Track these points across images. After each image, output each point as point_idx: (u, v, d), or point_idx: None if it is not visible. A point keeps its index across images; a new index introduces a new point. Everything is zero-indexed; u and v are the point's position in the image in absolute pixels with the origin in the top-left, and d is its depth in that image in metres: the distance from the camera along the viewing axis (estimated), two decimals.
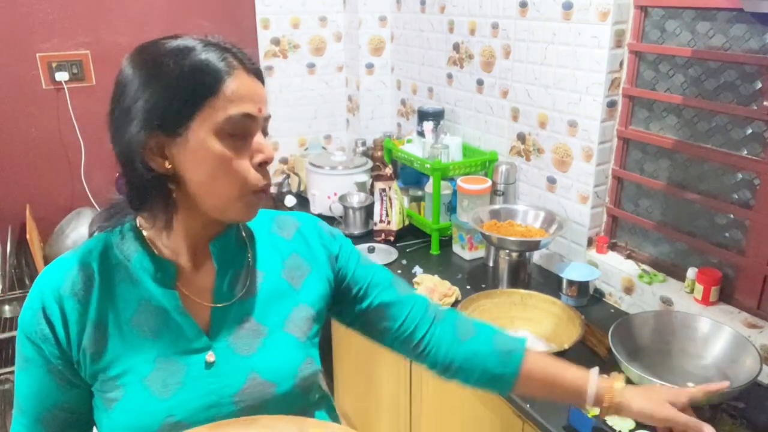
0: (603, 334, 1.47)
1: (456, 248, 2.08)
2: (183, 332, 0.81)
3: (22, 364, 0.81)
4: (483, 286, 1.85)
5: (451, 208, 2.10)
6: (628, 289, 1.69)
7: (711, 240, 1.56)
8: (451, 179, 2.11)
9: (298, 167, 2.73)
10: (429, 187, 2.07)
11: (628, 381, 1.09)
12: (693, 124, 1.55)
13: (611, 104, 1.69)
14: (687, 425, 0.91)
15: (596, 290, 1.78)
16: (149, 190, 0.77)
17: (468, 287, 1.85)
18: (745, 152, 1.44)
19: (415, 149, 2.21)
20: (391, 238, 2.17)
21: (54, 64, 2.28)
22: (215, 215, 0.80)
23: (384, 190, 2.20)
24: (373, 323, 0.98)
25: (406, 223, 2.21)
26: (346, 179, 2.38)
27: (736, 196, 1.48)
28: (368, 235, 2.23)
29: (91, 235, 0.85)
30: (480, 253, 2.04)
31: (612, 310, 1.71)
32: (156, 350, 0.80)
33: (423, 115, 2.31)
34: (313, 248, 0.94)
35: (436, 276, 1.85)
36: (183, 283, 0.83)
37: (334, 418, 0.96)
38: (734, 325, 1.39)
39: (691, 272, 1.55)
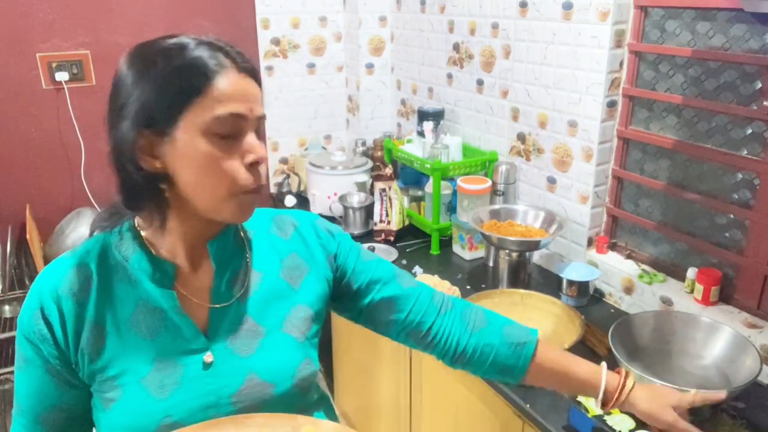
0: (603, 334, 1.47)
1: (456, 248, 2.08)
2: (181, 333, 0.81)
3: (21, 365, 0.81)
4: (483, 286, 1.85)
5: (451, 208, 2.10)
6: (628, 289, 1.69)
7: (711, 240, 1.56)
8: (451, 179, 2.11)
9: (298, 167, 2.73)
10: (429, 187, 2.07)
11: None
12: (693, 124, 1.55)
13: (611, 104, 1.69)
14: None
15: (596, 290, 1.78)
16: (141, 189, 0.77)
17: (468, 287, 1.85)
18: (745, 152, 1.44)
19: (415, 149, 2.21)
20: (391, 238, 2.17)
21: (54, 64, 2.28)
22: (209, 215, 0.79)
23: (384, 190, 2.20)
24: (377, 317, 0.97)
25: (406, 223, 2.21)
26: (346, 179, 2.38)
27: (736, 196, 1.48)
28: (368, 235, 2.23)
29: (91, 235, 0.86)
30: (480, 253, 2.04)
31: (612, 310, 1.71)
32: (154, 351, 0.80)
33: (423, 115, 2.31)
34: (311, 248, 0.93)
35: (436, 276, 1.85)
36: (181, 283, 0.83)
37: (333, 418, 0.96)
38: (734, 325, 1.38)
39: (691, 272, 1.55)
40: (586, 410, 1.18)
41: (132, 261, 0.81)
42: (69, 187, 2.41)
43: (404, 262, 2.03)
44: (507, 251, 1.77)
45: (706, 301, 1.50)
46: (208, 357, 0.81)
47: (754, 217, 1.43)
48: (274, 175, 2.83)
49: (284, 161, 2.84)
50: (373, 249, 2.08)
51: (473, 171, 2.10)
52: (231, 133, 0.75)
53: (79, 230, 2.23)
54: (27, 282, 2.26)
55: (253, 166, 0.77)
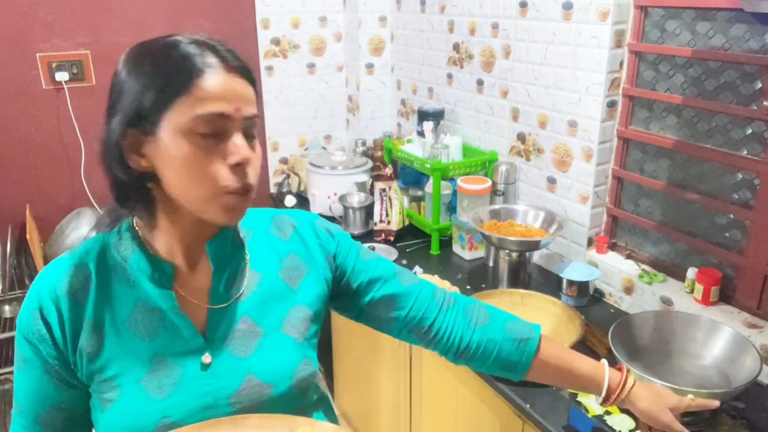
0: (603, 334, 1.47)
1: (456, 248, 2.08)
2: (179, 333, 0.81)
3: (21, 365, 0.81)
4: (483, 286, 1.85)
5: (451, 208, 2.10)
6: (628, 289, 1.69)
7: (711, 240, 1.56)
8: (451, 179, 2.11)
9: (298, 167, 2.73)
10: (429, 187, 2.07)
11: None
12: (693, 124, 1.55)
13: (611, 104, 1.69)
14: None
15: (596, 290, 1.78)
16: (128, 188, 0.77)
17: (468, 287, 1.85)
18: (745, 152, 1.44)
19: (415, 149, 2.21)
20: (391, 238, 2.17)
21: (54, 64, 2.28)
22: (197, 215, 0.77)
23: (384, 190, 2.20)
24: (379, 316, 0.97)
25: (406, 223, 2.21)
26: (346, 179, 2.38)
27: (736, 196, 1.48)
28: (368, 235, 2.23)
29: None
30: (480, 253, 2.04)
31: (612, 310, 1.71)
32: (152, 351, 0.80)
33: (423, 115, 2.31)
34: (310, 248, 0.93)
35: (436, 276, 1.85)
36: (179, 283, 0.83)
37: (333, 419, 0.96)
38: (734, 325, 1.38)
39: (691, 272, 1.55)
40: (586, 410, 1.18)
41: (131, 261, 0.81)
42: (69, 187, 2.41)
43: (404, 262, 2.03)
44: (507, 251, 1.77)
45: (706, 301, 1.50)
46: (206, 358, 0.81)
47: (754, 217, 1.43)
48: (274, 175, 2.83)
49: (284, 161, 2.84)
50: (373, 249, 2.08)
51: (473, 171, 2.10)
52: (214, 132, 0.73)
53: (79, 230, 2.23)
54: (27, 282, 2.26)
55: (238, 167, 0.74)
